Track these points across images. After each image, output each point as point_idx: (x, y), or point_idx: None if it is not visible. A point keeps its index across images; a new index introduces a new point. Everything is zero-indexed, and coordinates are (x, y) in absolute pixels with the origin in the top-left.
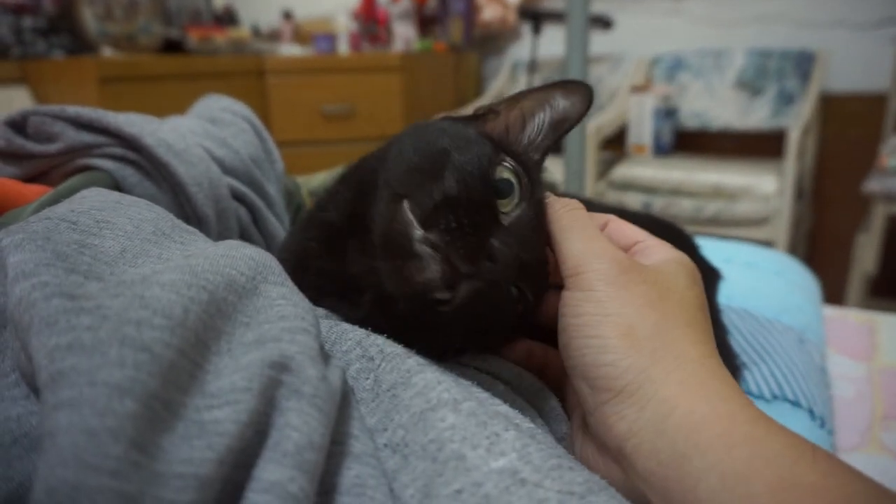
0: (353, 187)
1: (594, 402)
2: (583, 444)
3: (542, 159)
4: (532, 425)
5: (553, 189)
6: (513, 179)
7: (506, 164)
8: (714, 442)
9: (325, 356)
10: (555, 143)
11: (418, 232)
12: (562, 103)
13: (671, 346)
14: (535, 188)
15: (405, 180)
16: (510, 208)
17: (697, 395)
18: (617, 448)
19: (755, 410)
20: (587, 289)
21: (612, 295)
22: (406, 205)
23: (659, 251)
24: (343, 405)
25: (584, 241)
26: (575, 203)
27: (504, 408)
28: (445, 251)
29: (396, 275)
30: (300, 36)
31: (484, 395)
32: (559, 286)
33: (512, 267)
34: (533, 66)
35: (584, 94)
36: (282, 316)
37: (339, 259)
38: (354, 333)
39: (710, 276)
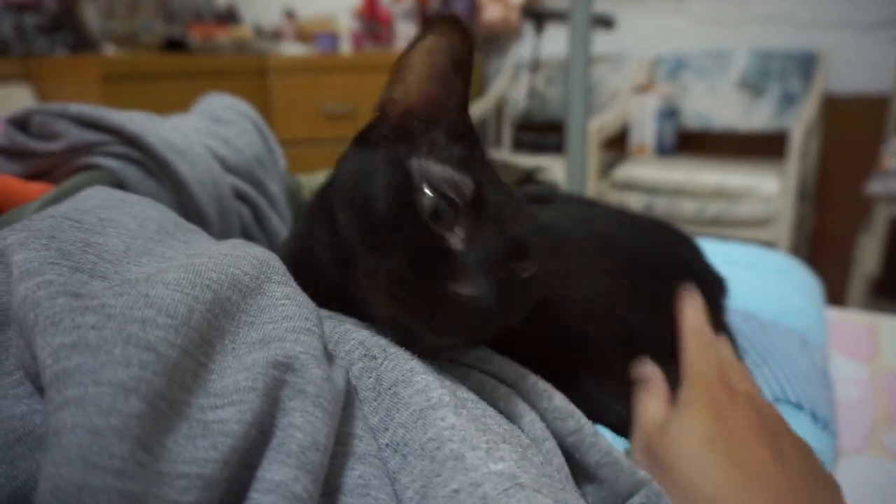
0: (330, 230)
1: None
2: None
3: (463, 113)
4: (528, 441)
5: (553, 189)
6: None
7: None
8: None
9: (329, 356)
10: (466, 88)
11: None
12: (442, 43)
13: None
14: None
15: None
16: None
17: None
18: None
19: None
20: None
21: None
22: None
23: (671, 426)
24: (346, 405)
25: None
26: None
27: (501, 429)
28: None
29: None
30: (302, 35)
31: (479, 410)
32: None
33: None
34: (535, 66)
35: (453, 25)
36: (286, 316)
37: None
38: (357, 333)
39: (716, 285)
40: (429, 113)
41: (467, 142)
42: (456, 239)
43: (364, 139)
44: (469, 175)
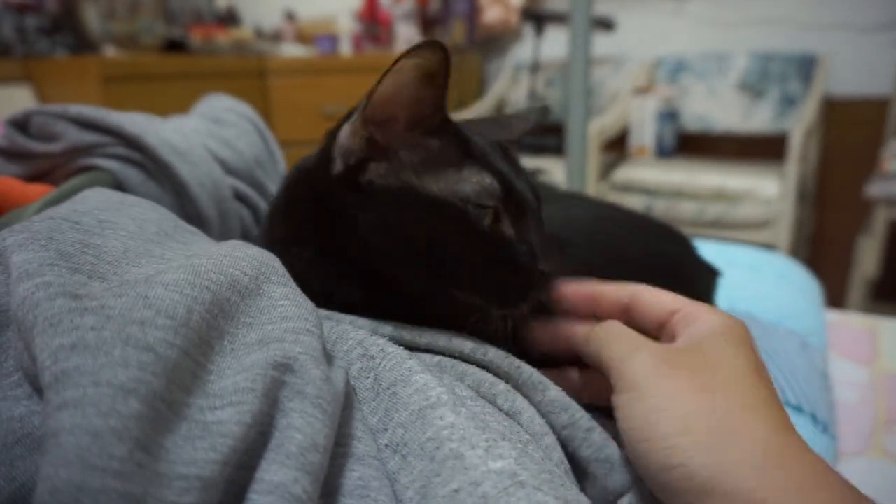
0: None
1: None
2: None
3: (439, 111)
4: (528, 437)
5: (553, 189)
6: None
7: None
8: None
9: (328, 357)
10: (441, 94)
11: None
12: (410, 63)
13: (736, 431)
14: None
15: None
16: None
17: (784, 483)
18: None
19: (855, 494)
20: (632, 388)
21: (659, 390)
22: None
23: (702, 318)
24: (346, 406)
25: (619, 345)
26: (610, 324)
27: (500, 426)
28: None
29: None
30: (302, 36)
31: (478, 408)
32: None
33: None
34: (535, 68)
35: (424, 45)
36: (285, 316)
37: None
38: (356, 333)
39: (707, 275)
40: (396, 120)
41: (445, 132)
42: (508, 228)
43: (356, 183)
44: (484, 170)
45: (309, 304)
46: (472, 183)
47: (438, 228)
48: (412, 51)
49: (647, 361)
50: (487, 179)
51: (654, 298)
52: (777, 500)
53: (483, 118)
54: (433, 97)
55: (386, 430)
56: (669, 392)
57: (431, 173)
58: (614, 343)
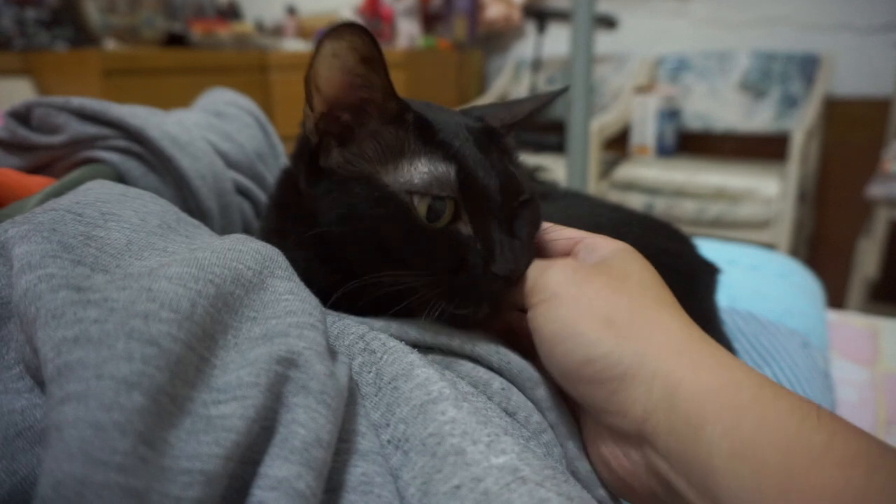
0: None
1: (603, 397)
2: (598, 444)
3: (391, 98)
4: (528, 433)
5: (553, 188)
6: None
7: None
8: (723, 410)
9: (331, 352)
10: (385, 78)
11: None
12: (343, 45)
13: (653, 324)
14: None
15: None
16: None
17: (699, 365)
18: (637, 432)
19: (757, 376)
20: (553, 296)
21: (578, 293)
22: None
23: (602, 244)
24: (349, 401)
25: (532, 268)
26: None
27: (503, 421)
28: None
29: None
30: (303, 31)
31: (480, 403)
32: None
33: None
34: (537, 65)
35: (350, 28)
36: (289, 311)
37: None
38: (357, 328)
39: (707, 272)
40: (356, 108)
41: (404, 120)
42: (466, 226)
43: (318, 167)
44: (444, 159)
45: (313, 299)
46: (422, 173)
47: (386, 221)
48: (335, 32)
49: (562, 272)
50: (441, 168)
51: (559, 233)
52: (693, 377)
53: (492, 103)
54: (379, 81)
55: (388, 425)
56: (588, 294)
57: (387, 163)
58: (529, 272)
